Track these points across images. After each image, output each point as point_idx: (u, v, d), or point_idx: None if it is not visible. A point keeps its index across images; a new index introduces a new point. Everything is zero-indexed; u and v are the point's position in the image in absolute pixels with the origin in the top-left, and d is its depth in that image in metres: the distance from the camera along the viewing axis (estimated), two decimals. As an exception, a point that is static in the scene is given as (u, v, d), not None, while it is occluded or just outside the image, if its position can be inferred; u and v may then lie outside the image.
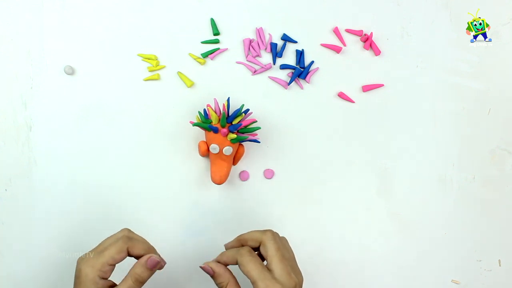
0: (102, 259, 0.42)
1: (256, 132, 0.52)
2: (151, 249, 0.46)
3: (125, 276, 0.43)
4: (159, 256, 0.46)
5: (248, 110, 0.52)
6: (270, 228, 0.47)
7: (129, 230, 0.46)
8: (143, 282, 0.44)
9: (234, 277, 0.45)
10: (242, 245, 0.46)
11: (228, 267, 0.45)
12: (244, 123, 0.50)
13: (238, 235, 0.47)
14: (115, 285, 0.43)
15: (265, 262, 0.44)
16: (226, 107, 0.50)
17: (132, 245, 0.44)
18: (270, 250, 0.44)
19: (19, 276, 0.54)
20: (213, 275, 0.45)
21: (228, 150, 0.50)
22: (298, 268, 0.46)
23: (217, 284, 0.45)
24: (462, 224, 0.58)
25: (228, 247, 0.48)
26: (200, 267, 0.45)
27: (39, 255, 0.54)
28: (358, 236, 0.57)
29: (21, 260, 0.54)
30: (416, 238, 0.58)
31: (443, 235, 0.58)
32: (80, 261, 0.43)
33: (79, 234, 0.55)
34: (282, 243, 0.45)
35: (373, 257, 0.57)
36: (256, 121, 0.53)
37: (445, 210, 0.58)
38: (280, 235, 0.47)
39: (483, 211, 0.59)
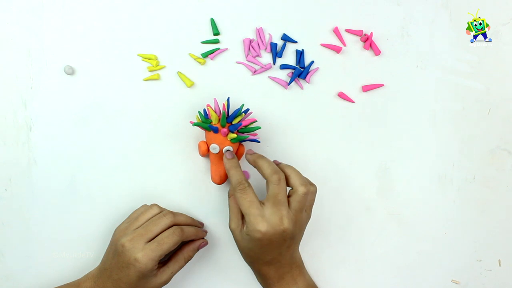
0: (161, 252, 0.46)
1: (256, 132, 0.52)
2: (198, 231, 0.52)
3: (177, 256, 0.50)
4: (205, 231, 0.55)
5: (248, 110, 0.52)
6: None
7: (173, 215, 0.50)
8: (190, 260, 0.51)
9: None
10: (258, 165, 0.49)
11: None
12: (244, 123, 0.50)
13: (263, 158, 0.49)
14: (162, 264, 0.49)
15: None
16: (226, 107, 0.50)
17: (185, 237, 0.49)
18: (268, 191, 0.47)
19: (19, 276, 0.54)
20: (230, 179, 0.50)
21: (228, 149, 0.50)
22: (304, 222, 0.49)
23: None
24: (462, 224, 0.58)
25: (231, 170, 0.50)
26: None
27: (39, 255, 0.54)
28: (358, 236, 0.57)
29: (21, 260, 0.54)
30: (416, 238, 0.58)
31: (443, 235, 0.58)
32: (134, 249, 0.46)
33: (79, 234, 0.55)
34: (283, 190, 0.47)
35: (373, 257, 0.57)
36: (256, 121, 0.53)
37: (445, 210, 0.58)
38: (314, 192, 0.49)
39: (483, 211, 0.59)
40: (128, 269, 0.46)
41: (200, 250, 0.53)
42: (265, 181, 0.48)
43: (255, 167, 0.50)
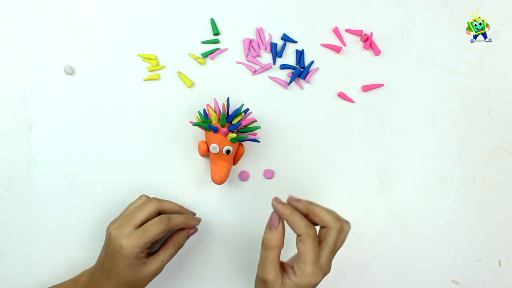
0: (146, 239, 0.46)
1: (256, 131, 0.52)
2: (188, 219, 0.51)
3: (167, 244, 0.50)
4: (197, 220, 0.53)
5: (248, 109, 0.52)
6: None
7: (158, 201, 0.49)
8: (180, 248, 0.51)
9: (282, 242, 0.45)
10: (308, 213, 0.45)
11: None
12: (244, 123, 0.50)
13: (310, 203, 0.45)
14: (152, 253, 0.49)
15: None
16: (225, 107, 0.50)
17: (172, 225, 0.48)
18: (329, 238, 0.44)
19: (19, 276, 0.54)
20: (271, 223, 0.45)
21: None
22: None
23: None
24: (462, 224, 0.58)
25: (296, 206, 0.45)
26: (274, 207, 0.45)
27: (39, 255, 0.54)
28: (358, 236, 0.57)
29: (21, 260, 0.54)
30: (416, 238, 0.58)
31: (443, 235, 0.58)
32: (119, 236, 0.46)
33: (79, 234, 0.55)
34: (342, 239, 0.45)
35: (373, 257, 0.57)
36: (256, 121, 0.53)
37: (445, 210, 0.58)
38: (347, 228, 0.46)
39: (483, 211, 0.59)
40: (115, 257, 0.46)
41: (200, 251, 0.53)
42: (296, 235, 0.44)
43: (293, 218, 0.44)
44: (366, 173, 0.57)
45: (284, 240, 0.45)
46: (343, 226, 0.45)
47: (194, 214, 0.55)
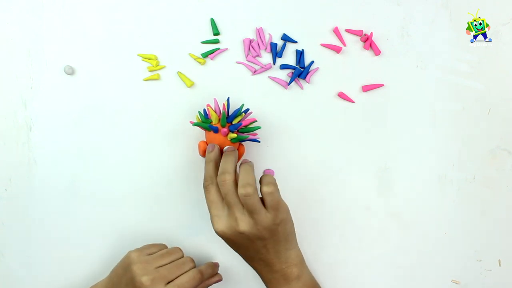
0: None
1: (256, 132, 0.52)
2: (214, 269, 0.53)
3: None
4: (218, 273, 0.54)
5: (248, 109, 0.52)
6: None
7: (200, 273, 0.50)
8: None
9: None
10: None
11: None
12: (244, 123, 0.50)
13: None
14: None
15: None
16: (226, 107, 0.50)
17: (204, 281, 0.50)
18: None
19: (19, 276, 0.54)
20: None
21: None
22: (266, 227, 0.46)
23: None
24: (462, 224, 0.58)
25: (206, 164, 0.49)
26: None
27: (39, 255, 0.54)
28: (358, 236, 0.57)
29: (21, 260, 0.54)
30: (416, 238, 0.58)
31: (443, 235, 0.58)
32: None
33: (79, 234, 0.55)
34: (232, 191, 0.46)
35: (373, 257, 0.57)
36: (256, 121, 0.53)
37: (445, 210, 0.58)
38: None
39: (483, 211, 0.59)
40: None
41: (200, 251, 0.53)
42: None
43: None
44: (366, 173, 0.57)
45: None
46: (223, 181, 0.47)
47: (218, 265, 0.55)
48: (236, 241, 0.47)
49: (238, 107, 0.52)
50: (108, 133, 0.55)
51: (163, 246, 0.52)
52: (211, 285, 0.52)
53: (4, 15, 0.54)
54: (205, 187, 0.48)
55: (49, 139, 0.54)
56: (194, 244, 0.56)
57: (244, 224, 0.45)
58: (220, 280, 0.53)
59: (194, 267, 0.50)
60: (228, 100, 0.51)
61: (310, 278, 0.52)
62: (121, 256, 0.50)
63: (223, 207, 0.47)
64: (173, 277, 0.47)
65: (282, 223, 0.47)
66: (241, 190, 0.45)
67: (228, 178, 0.46)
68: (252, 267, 0.50)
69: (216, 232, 0.47)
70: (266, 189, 0.46)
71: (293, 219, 0.50)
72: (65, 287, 0.55)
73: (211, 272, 0.52)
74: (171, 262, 0.49)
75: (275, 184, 0.47)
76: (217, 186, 0.47)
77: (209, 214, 0.48)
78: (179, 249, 0.51)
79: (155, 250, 0.50)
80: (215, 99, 0.52)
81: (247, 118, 0.52)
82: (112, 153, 0.55)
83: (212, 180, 0.48)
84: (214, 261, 0.56)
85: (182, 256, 0.50)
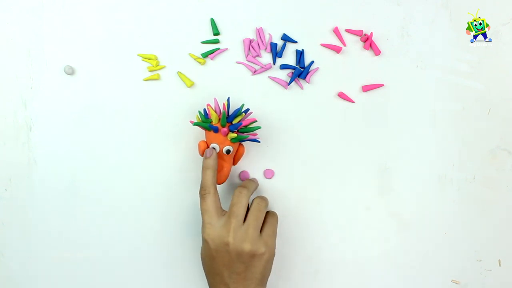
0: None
1: (256, 132, 0.52)
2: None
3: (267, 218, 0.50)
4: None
5: (248, 109, 0.52)
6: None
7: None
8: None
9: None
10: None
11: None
12: (244, 123, 0.50)
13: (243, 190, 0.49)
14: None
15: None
16: (226, 107, 0.50)
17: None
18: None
19: (19, 276, 0.54)
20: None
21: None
22: (255, 241, 0.46)
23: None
24: (462, 224, 0.58)
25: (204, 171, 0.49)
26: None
27: (39, 255, 0.54)
28: (358, 236, 0.57)
29: (21, 260, 0.54)
30: (416, 238, 0.58)
31: (443, 235, 0.58)
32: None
33: (79, 234, 0.55)
34: (242, 204, 0.48)
35: (373, 257, 0.57)
36: (256, 121, 0.53)
37: (445, 210, 0.58)
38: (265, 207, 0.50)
39: (483, 211, 0.59)
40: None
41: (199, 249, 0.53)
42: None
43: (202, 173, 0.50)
44: (366, 173, 0.57)
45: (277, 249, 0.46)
46: (240, 192, 0.48)
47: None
48: (216, 254, 0.46)
49: (238, 107, 0.52)
50: (108, 133, 0.55)
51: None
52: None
53: (4, 15, 0.54)
54: (202, 196, 0.48)
55: (49, 139, 0.54)
56: (194, 243, 0.56)
57: (234, 235, 0.45)
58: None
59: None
60: (228, 100, 0.51)
61: None
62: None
63: (218, 217, 0.47)
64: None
65: (268, 258, 0.47)
66: (255, 205, 0.47)
67: (245, 192, 0.48)
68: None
69: (204, 239, 0.47)
70: (271, 220, 0.49)
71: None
72: (65, 287, 0.55)
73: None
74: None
75: (277, 222, 0.50)
76: (214, 196, 0.48)
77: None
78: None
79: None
80: (215, 99, 0.52)
81: (247, 118, 0.52)
82: (112, 153, 0.55)
83: (209, 189, 0.48)
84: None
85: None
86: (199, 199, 0.48)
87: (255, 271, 0.46)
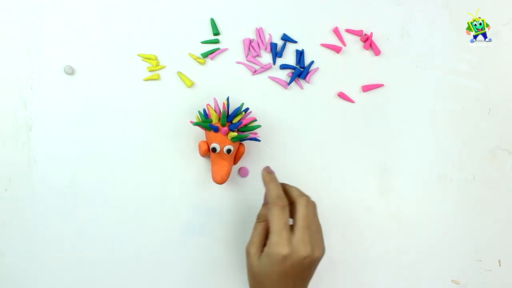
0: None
1: (256, 131, 0.52)
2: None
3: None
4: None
5: (247, 108, 0.52)
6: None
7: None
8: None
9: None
10: (283, 189, 0.47)
11: None
12: (244, 122, 0.50)
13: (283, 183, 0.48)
14: None
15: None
16: (226, 106, 0.50)
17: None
18: (298, 213, 0.44)
19: (19, 276, 0.54)
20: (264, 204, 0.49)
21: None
22: (321, 242, 0.46)
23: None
24: (462, 224, 0.58)
25: (271, 184, 0.47)
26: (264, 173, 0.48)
27: (39, 255, 0.54)
28: (358, 236, 0.57)
29: (21, 260, 0.54)
30: (416, 238, 0.58)
31: (443, 235, 0.58)
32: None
33: (79, 234, 0.55)
34: (312, 213, 0.46)
35: (373, 257, 0.57)
36: (256, 120, 0.53)
37: (445, 210, 0.58)
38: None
39: (483, 211, 0.59)
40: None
41: (201, 250, 0.53)
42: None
43: (267, 195, 0.47)
44: (366, 173, 0.57)
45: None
46: (308, 201, 0.46)
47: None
48: (290, 269, 0.43)
49: (238, 106, 0.52)
50: (108, 133, 0.55)
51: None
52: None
53: (4, 15, 0.54)
54: (283, 207, 0.44)
55: (49, 139, 0.54)
56: (194, 244, 0.56)
57: (311, 247, 0.43)
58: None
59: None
60: (228, 99, 0.51)
61: None
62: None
63: (291, 233, 0.44)
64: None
65: (317, 262, 0.46)
66: (307, 210, 0.45)
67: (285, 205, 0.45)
68: None
69: (279, 255, 0.42)
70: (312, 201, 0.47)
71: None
72: (65, 287, 0.55)
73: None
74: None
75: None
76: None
77: (257, 238, 0.46)
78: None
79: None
80: (214, 99, 0.52)
81: (247, 117, 0.52)
82: (112, 153, 0.55)
83: (285, 201, 0.45)
84: (214, 260, 0.56)
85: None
86: (271, 210, 0.44)
87: (311, 275, 0.47)
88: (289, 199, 0.46)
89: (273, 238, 0.43)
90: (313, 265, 0.45)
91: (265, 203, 0.48)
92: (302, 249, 0.43)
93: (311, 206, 0.46)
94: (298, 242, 0.43)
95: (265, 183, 0.47)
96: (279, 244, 0.42)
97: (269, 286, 0.44)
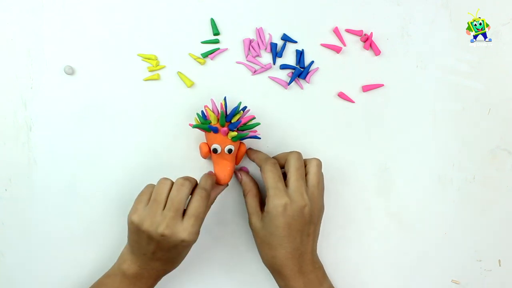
0: (201, 222, 0.46)
1: (256, 129, 0.52)
2: (213, 179, 0.51)
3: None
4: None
5: (245, 107, 0.52)
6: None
7: (188, 180, 0.47)
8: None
9: (257, 188, 0.52)
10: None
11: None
12: (243, 120, 0.50)
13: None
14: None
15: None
16: (223, 106, 0.50)
17: (211, 194, 0.49)
18: (290, 167, 0.48)
19: (19, 276, 0.54)
20: (240, 182, 0.53)
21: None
22: (321, 199, 0.50)
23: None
24: (462, 224, 0.58)
25: (257, 152, 0.53)
26: (235, 172, 0.53)
27: (39, 255, 0.54)
28: (358, 236, 0.57)
29: (21, 260, 0.54)
30: (416, 238, 0.58)
31: (443, 235, 0.58)
32: (176, 234, 0.44)
33: (79, 234, 0.55)
34: (301, 167, 0.49)
35: (373, 257, 0.57)
36: (255, 118, 0.53)
37: (445, 210, 0.58)
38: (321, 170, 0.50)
39: (483, 211, 0.59)
40: (176, 248, 0.46)
41: (201, 250, 0.53)
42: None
43: (257, 161, 0.52)
44: (366, 173, 0.57)
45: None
46: (299, 154, 0.49)
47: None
48: (292, 220, 0.45)
49: (236, 105, 0.52)
50: (108, 133, 0.55)
51: (150, 188, 0.48)
52: (219, 193, 0.51)
53: (4, 15, 0.54)
54: (274, 164, 0.48)
55: (49, 139, 0.54)
56: (194, 244, 0.55)
57: (307, 197, 0.47)
58: (227, 185, 0.52)
59: (191, 182, 0.46)
60: (225, 99, 0.51)
61: (332, 285, 0.51)
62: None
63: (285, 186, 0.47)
64: (182, 209, 0.45)
65: (316, 214, 0.49)
66: (316, 161, 0.50)
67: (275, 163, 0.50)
68: (280, 268, 0.47)
69: (280, 206, 0.45)
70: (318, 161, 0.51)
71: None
72: (65, 287, 0.55)
73: (211, 182, 0.49)
74: (167, 197, 0.45)
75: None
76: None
77: (253, 210, 0.50)
78: (165, 178, 0.47)
79: (146, 197, 0.47)
80: (212, 100, 0.52)
81: (245, 116, 0.51)
82: (112, 153, 0.55)
83: (274, 159, 0.50)
84: (214, 259, 0.56)
85: (172, 183, 0.47)
86: (264, 170, 0.48)
87: (317, 226, 0.50)
88: (283, 161, 0.50)
89: (271, 192, 0.46)
90: (314, 217, 0.47)
91: (245, 194, 0.51)
92: (299, 198, 0.46)
93: (302, 159, 0.49)
94: (293, 192, 0.46)
95: (252, 155, 0.52)
96: (276, 195, 0.46)
97: (276, 244, 0.46)
